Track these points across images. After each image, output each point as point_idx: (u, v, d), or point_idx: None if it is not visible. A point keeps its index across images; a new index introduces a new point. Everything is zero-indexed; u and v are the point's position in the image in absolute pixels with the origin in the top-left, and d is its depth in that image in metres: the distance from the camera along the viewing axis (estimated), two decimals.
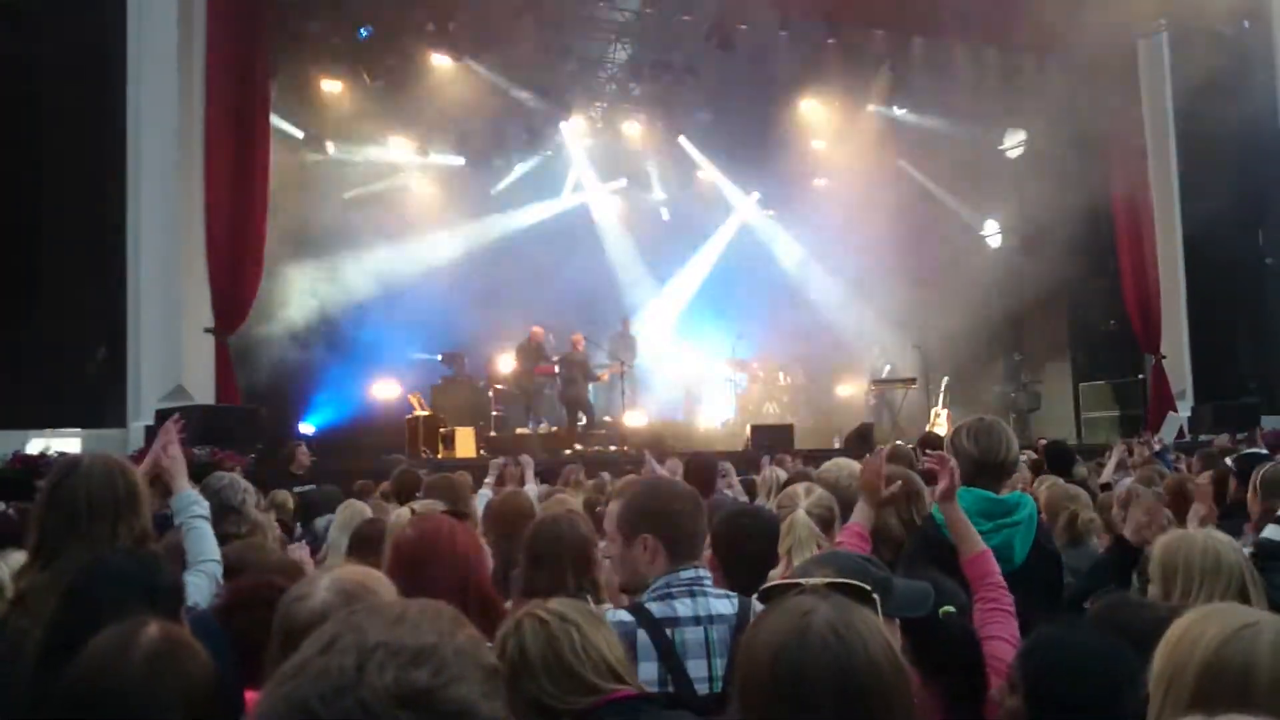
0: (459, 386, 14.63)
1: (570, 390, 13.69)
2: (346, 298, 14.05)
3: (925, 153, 16.89)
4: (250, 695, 1.97)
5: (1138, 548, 3.26)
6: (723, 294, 16.86)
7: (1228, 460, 6.26)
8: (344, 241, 14.33)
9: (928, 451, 3.18)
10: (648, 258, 17.49)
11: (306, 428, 13.56)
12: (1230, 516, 4.42)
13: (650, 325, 16.92)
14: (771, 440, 11.85)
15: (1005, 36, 14.43)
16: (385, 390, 14.06)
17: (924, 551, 2.97)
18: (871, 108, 16.67)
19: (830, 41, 15.01)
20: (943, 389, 14.65)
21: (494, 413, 14.24)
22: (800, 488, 3.35)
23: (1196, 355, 14.79)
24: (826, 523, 3.19)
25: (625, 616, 2.33)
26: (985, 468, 3.19)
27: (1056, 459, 6.28)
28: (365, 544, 3.70)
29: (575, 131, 16.85)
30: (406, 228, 15.13)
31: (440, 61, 14.47)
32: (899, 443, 7.59)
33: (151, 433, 5.09)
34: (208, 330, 10.90)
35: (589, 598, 2.65)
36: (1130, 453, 6.88)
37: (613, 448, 13.28)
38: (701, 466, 5.45)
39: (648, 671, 2.26)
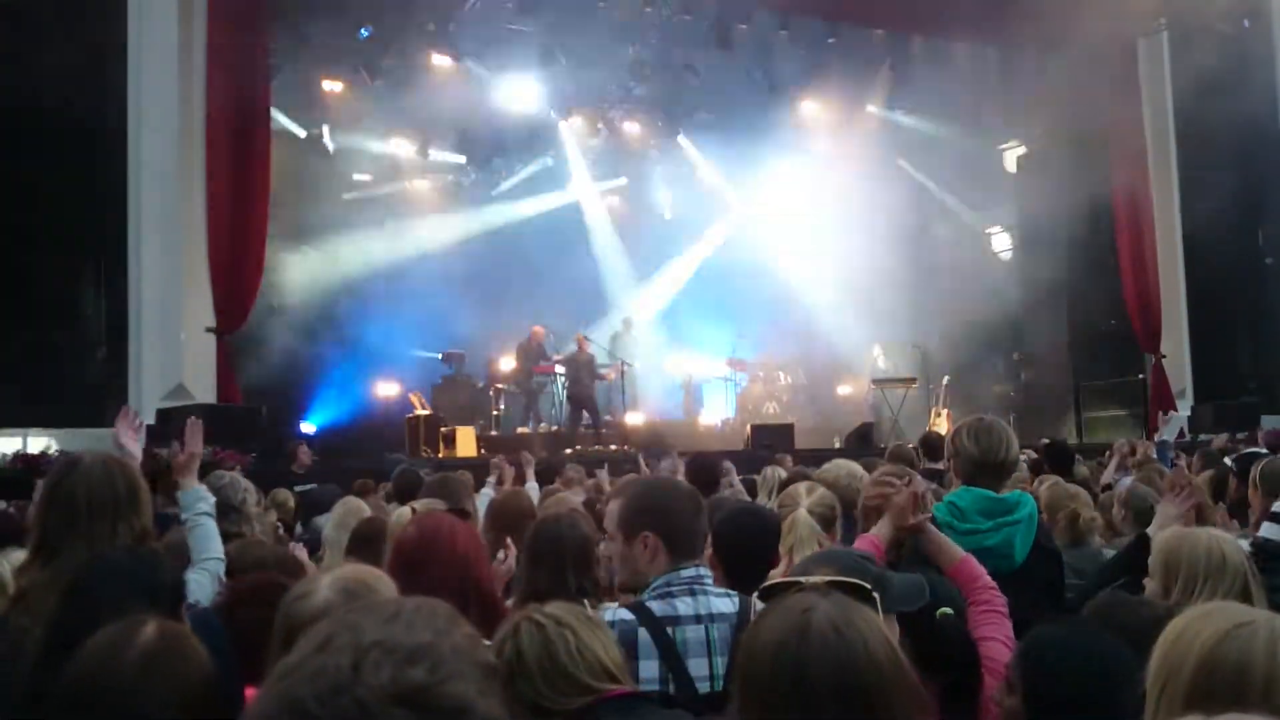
0: (459, 386, 14.64)
1: (576, 390, 13.70)
2: (347, 297, 14.06)
3: (925, 152, 16.90)
4: (251, 693, 1.98)
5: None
6: (723, 294, 16.85)
7: (1227, 460, 6.26)
8: (345, 241, 14.35)
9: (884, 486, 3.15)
10: (648, 257, 17.50)
11: (307, 427, 13.57)
12: (1231, 515, 4.41)
13: (650, 324, 16.92)
14: (771, 440, 11.85)
15: (1005, 36, 14.43)
16: (386, 389, 14.07)
17: (924, 552, 2.97)
18: (871, 108, 16.67)
19: (830, 41, 15.02)
20: (943, 389, 14.65)
21: (494, 412, 14.25)
22: (802, 487, 3.35)
23: (1196, 355, 14.79)
24: (828, 521, 3.19)
25: (626, 615, 2.33)
26: (985, 467, 3.19)
27: (1057, 458, 6.28)
28: (365, 543, 3.71)
29: (575, 131, 16.84)
30: (407, 227, 15.14)
31: (440, 61, 14.47)
32: (899, 443, 7.59)
33: (153, 432, 5.08)
34: (209, 329, 10.91)
35: (586, 602, 2.65)
36: (1132, 451, 6.86)
37: (613, 447, 13.29)
38: (704, 466, 5.44)
39: (648, 670, 2.27)
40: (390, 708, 0.83)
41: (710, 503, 3.04)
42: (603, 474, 7.08)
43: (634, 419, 14.55)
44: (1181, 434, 12.98)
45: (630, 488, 2.70)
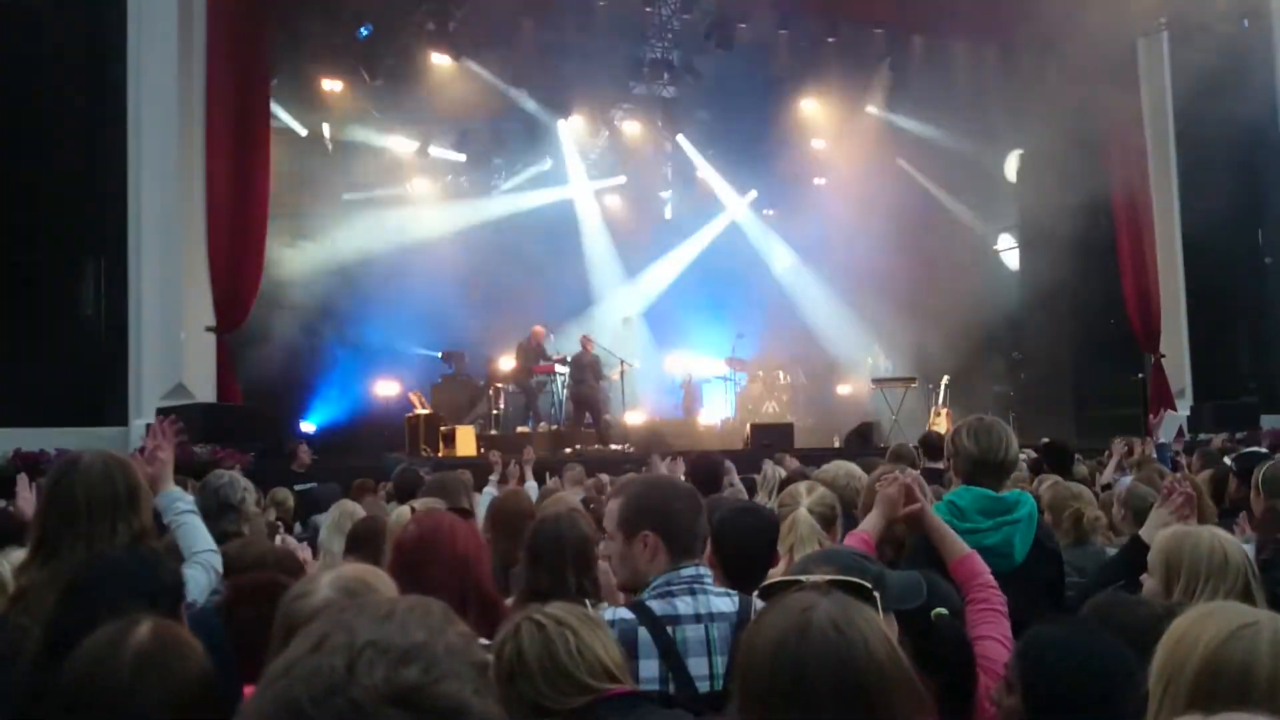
0: (459, 385, 14.65)
1: (579, 390, 13.71)
2: (347, 296, 14.06)
3: (925, 152, 16.90)
4: (250, 691, 1.97)
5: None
6: (723, 294, 16.86)
7: (1227, 459, 6.25)
8: (345, 240, 14.35)
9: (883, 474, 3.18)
10: (648, 257, 17.49)
11: (307, 426, 13.59)
12: (1231, 515, 4.40)
13: (647, 324, 16.92)
14: (771, 439, 11.85)
15: (1005, 35, 14.43)
16: (386, 388, 14.07)
17: (925, 552, 2.97)
18: (871, 108, 16.67)
19: (830, 40, 15.02)
20: (943, 388, 14.64)
21: (494, 411, 14.25)
22: (802, 486, 3.35)
23: (1196, 355, 14.78)
24: (828, 521, 3.19)
25: (626, 614, 2.33)
26: (985, 466, 3.20)
27: (1056, 458, 6.27)
28: (363, 544, 3.71)
29: (575, 131, 16.85)
30: (407, 226, 15.14)
31: (440, 61, 14.48)
32: (902, 443, 7.59)
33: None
34: (209, 329, 10.91)
35: (588, 601, 2.65)
36: (1130, 452, 6.84)
37: (614, 446, 13.30)
38: (708, 466, 5.44)
39: (648, 669, 2.27)
40: (385, 708, 0.83)
41: (709, 502, 3.04)
42: (604, 475, 7.08)
43: (634, 418, 14.54)
44: (1181, 434, 12.97)
45: (630, 487, 2.70)
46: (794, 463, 7.20)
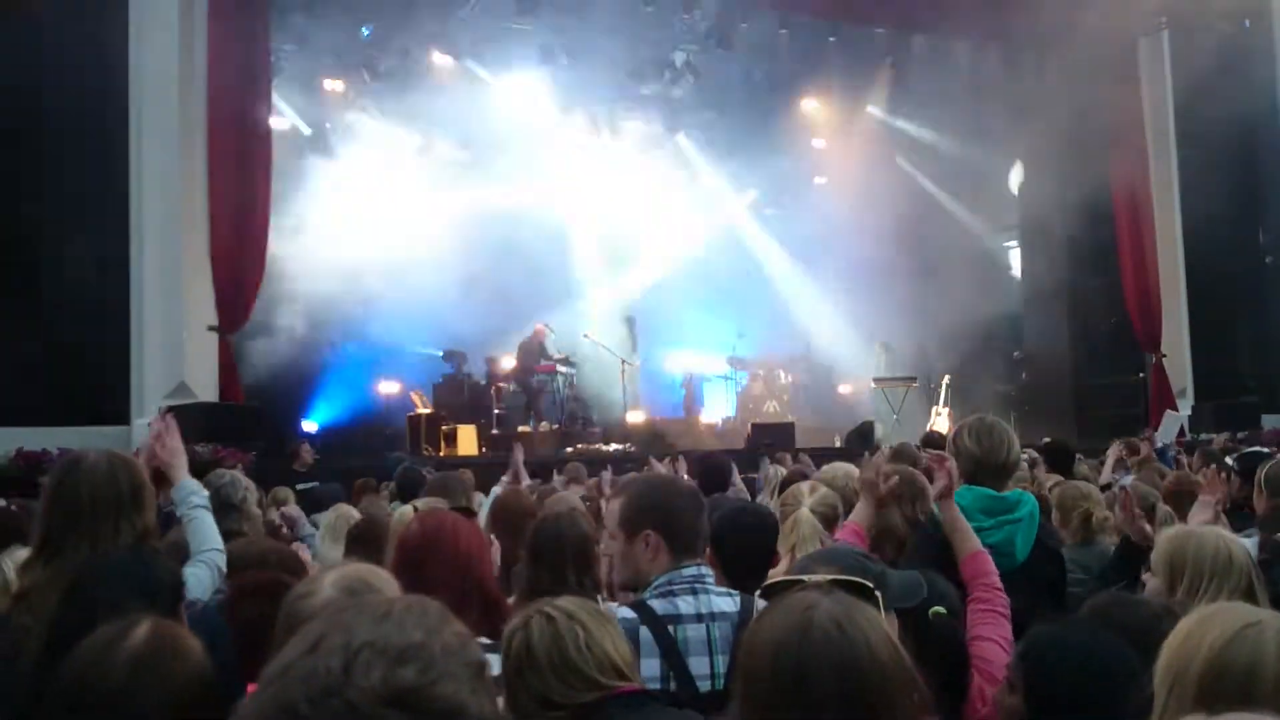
0: (461, 384, 14.65)
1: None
2: (348, 295, 14.04)
3: (925, 152, 16.89)
4: (252, 689, 1.97)
5: (1144, 548, 3.24)
6: (723, 293, 16.84)
7: (1228, 459, 6.25)
8: (345, 239, 14.33)
9: (929, 451, 3.19)
10: (648, 257, 17.47)
11: (309, 425, 13.58)
12: (1232, 515, 4.40)
13: (646, 323, 16.91)
14: (772, 439, 11.85)
15: (1005, 34, 14.42)
16: (387, 388, 14.07)
17: (925, 550, 2.97)
18: (871, 108, 16.66)
19: (831, 40, 15.01)
20: (943, 388, 14.64)
21: (496, 410, 14.25)
22: (804, 486, 3.36)
23: (1196, 354, 14.77)
24: (830, 521, 3.20)
25: (628, 613, 2.34)
26: (987, 467, 3.19)
27: (1057, 458, 6.27)
28: (362, 544, 3.70)
29: (575, 131, 16.82)
30: (408, 226, 15.12)
31: (441, 61, 14.47)
32: (904, 442, 7.58)
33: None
34: (211, 328, 10.90)
35: (600, 597, 2.65)
36: (1132, 452, 6.84)
37: (615, 446, 13.30)
38: (713, 467, 5.44)
39: (650, 668, 2.27)
40: (381, 709, 0.83)
41: (709, 502, 3.04)
42: (606, 474, 7.06)
43: (634, 417, 14.54)
44: (1182, 433, 12.98)
45: (632, 486, 2.70)
46: (800, 461, 7.18)
